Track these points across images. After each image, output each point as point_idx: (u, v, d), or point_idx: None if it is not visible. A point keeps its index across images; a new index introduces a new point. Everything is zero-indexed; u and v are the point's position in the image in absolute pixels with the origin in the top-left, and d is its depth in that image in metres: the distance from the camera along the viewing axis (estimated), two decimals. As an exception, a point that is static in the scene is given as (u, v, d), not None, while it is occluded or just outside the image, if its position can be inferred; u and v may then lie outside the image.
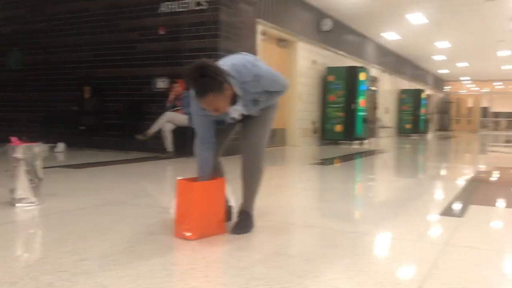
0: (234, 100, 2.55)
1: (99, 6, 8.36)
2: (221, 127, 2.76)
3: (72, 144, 8.26)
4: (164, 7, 7.68)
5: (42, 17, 9.06)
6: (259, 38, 8.72)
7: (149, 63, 7.90)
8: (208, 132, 2.67)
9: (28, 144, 3.41)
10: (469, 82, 30.01)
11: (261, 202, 3.59)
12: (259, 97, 2.62)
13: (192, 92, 2.48)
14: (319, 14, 11.32)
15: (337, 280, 2.00)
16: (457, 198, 4.25)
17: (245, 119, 2.78)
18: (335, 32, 12.18)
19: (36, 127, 8.82)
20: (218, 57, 2.94)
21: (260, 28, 8.76)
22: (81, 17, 8.58)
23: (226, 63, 2.54)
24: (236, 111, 2.62)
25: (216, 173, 2.82)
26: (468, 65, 21.77)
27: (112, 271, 2.04)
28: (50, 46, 8.99)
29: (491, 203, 4.13)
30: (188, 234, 2.54)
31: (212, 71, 2.36)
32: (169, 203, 3.53)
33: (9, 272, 2.00)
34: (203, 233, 2.59)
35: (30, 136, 3.76)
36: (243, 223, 2.80)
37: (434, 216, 3.46)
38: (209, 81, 2.34)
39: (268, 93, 2.66)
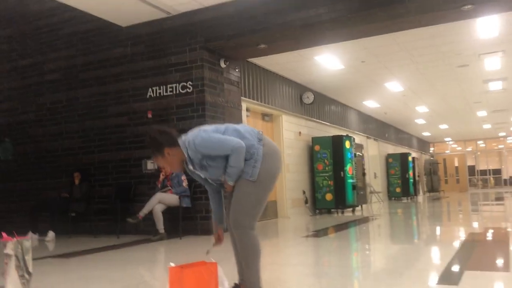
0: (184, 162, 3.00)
1: (88, 94, 8.62)
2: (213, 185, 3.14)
3: (62, 232, 8.16)
4: (152, 92, 7.94)
5: (31, 107, 9.28)
6: (244, 114, 8.98)
7: (138, 146, 8.03)
8: (203, 181, 3.15)
9: (18, 238, 3.40)
10: (452, 142, 30.68)
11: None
12: (203, 161, 2.92)
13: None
14: (301, 88, 11.76)
15: None
16: (451, 264, 4.24)
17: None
18: (318, 104, 12.60)
19: (25, 217, 8.74)
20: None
21: (245, 105, 9.05)
22: (70, 105, 8.80)
23: (187, 134, 2.99)
24: (194, 171, 3.04)
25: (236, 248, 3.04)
26: (448, 127, 22.38)
27: None
28: (39, 135, 9.13)
29: (486, 267, 4.13)
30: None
31: (152, 139, 3.01)
32: (163, 290, 3.47)
33: None
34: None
35: (19, 226, 3.75)
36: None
37: (429, 285, 3.44)
38: (150, 146, 3.03)
39: (211, 158, 2.90)
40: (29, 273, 3.41)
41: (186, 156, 2.92)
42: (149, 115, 7.94)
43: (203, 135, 2.89)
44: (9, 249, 3.32)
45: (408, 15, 6.27)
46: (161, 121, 7.82)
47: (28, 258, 3.42)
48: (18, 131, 9.41)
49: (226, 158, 2.86)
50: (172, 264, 2.71)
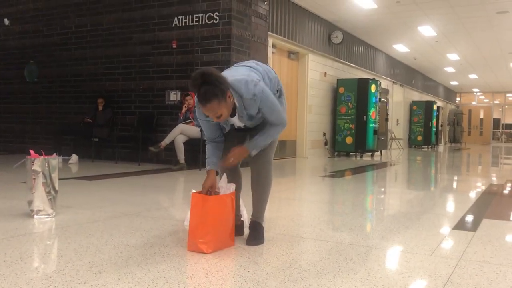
0: (234, 110, 2.63)
1: (113, 19, 8.51)
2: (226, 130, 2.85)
3: (85, 156, 8.37)
4: (177, 21, 7.79)
5: (57, 30, 9.23)
6: (270, 50, 8.80)
7: (162, 76, 8.01)
8: (215, 132, 2.77)
9: (46, 156, 3.49)
10: (480, 93, 29.85)
11: (272, 215, 3.62)
12: (255, 114, 2.67)
13: (196, 99, 2.58)
14: (330, 27, 11.40)
15: (351, 295, 2.02)
16: (469, 212, 4.24)
17: (251, 130, 2.86)
18: (346, 44, 12.25)
19: (49, 139, 8.96)
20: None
21: (271, 41, 8.85)
22: (95, 31, 8.73)
23: (230, 74, 2.61)
24: (234, 121, 2.73)
25: (236, 182, 2.93)
26: (478, 77, 21.69)
27: (129, 284, 2.08)
28: (64, 59, 9.15)
29: (504, 217, 4.12)
30: (203, 247, 2.58)
31: (215, 78, 2.41)
32: (182, 216, 3.57)
33: (30, 283, 2.05)
34: (217, 246, 2.63)
35: (44, 148, 3.83)
36: (257, 234, 2.85)
37: (446, 230, 3.46)
38: (211, 88, 2.40)
39: (262, 117, 2.71)
40: (55, 190, 3.52)
41: (237, 103, 2.59)
42: (174, 45, 7.85)
43: (267, 91, 2.59)
44: (37, 166, 3.41)
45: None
46: (185, 52, 7.72)
47: (55, 176, 3.52)
48: (43, 54, 9.43)
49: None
50: (194, 191, 2.75)
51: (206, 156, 2.81)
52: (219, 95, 2.41)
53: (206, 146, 2.84)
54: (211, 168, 2.76)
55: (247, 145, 2.72)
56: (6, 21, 9.90)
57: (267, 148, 2.85)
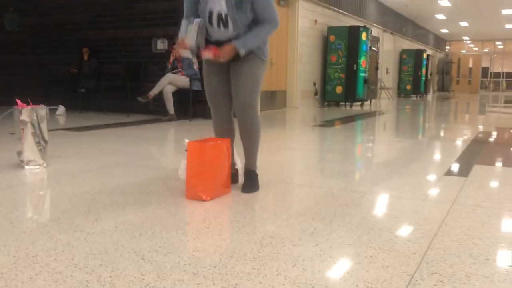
0: None
1: (96, -36, 8.14)
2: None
3: (72, 107, 8.23)
4: (163, -35, 7.48)
5: (37, -24, 8.83)
6: (259, -3, 8.55)
7: (149, 24, 7.77)
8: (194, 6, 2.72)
9: (34, 106, 3.41)
10: (470, 42, 29.67)
11: (265, 163, 3.62)
12: (243, 1, 2.57)
13: None
14: (321, -28, 11.06)
15: (349, 238, 2.05)
16: (460, 158, 4.29)
17: (232, 67, 2.76)
18: (337, -9, 11.95)
19: (35, 90, 8.77)
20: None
21: (260, -13, 8.57)
22: (77, -24, 8.37)
23: None
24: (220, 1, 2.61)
25: (229, 132, 2.93)
26: (468, 24, 21.46)
27: (127, 231, 2.08)
28: (47, 8, 8.81)
29: (494, 163, 4.17)
30: (202, 195, 2.57)
31: None
32: (176, 165, 3.55)
33: (27, 232, 2.04)
34: (215, 194, 2.63)
35: (31, 99, 3.74)
36: (252, 181, 2.86)
37: (438, 176, 3.50)
38: None
39: (247, 8, 2.60)
40: (45, 141, 3.47)
41: None
42: (161, -9, 7.57)
43: None
44: (25, 115, 3.34)
45: None
46: (173, -1, 7.46)
47: (43, 126, 3.45)
48: (24, 2, 9.06)
49: (250, 24, 2.65)
50: (187, 140, 2.71)
51: (181, 32, 2.72)
52: None
53: (182, 21, 2.74)
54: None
55: (235, 42, 2.64)
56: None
57: (246, 83, 2.74)
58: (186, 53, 2.72)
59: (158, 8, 7.64)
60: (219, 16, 2.64)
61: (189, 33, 2.65)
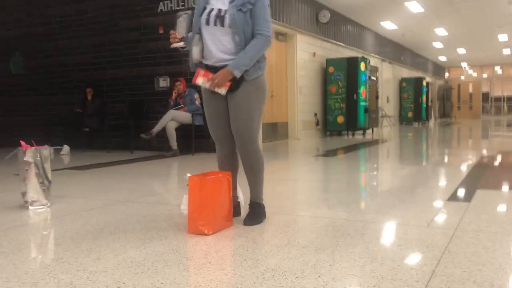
0: None
1: (97, 6, 8.38)
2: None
3: (76, 146, 8.31)
4: (163, 6, 7.69)
5: (40, 20, 9.08)
6: (258, 32, 8.73)
7: (150, 63, 7.93)
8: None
9: (37, 147, 3.45)
10: (468, 67, 29.93)
11: (268, 195, 3.62)
12: (246, 4, 2.62)
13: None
14: (317, 6, 11.32)
15: (352, 268, 2.03)
16: (463, 184, 4.28)
17: (229, 100, 2.77)
18: (334, 24, 12.19)
19: (39, 131, 8.87)
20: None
21: (258, 22, 8.77)
22: (79, 19, 8.59)
23: None
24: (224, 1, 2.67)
25: (233, 166, 2.96)
26: (465, 52, 21.72)
27: (129, 268, 2.07)
28: (50, 50, 9.02)
29: (497, 187, 4.16)
30: (204, 229, 2.57)
31: None
32: (178, 200, 3.56)
33: (29, 273, 2.04)
34: (216, 227, 2.64)
35: (34, 140, 3.79)
36: (255, 214, 2.85)
37: (441, 202, 3.49)
38: None
39: (251, 15, 2.64)
40: (48, 181, 3.50)
41: None
42: (161, 31, 7.76)
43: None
44: (29, 156, 3.38)
45: None
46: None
47: (47, 166, 3.49)
48: (28, 45, 9.28)
49: (245, 42, 2.66)
50: (189, 174, 2.74)
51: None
52: None
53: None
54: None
55: (229, 66, 2.64)
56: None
57: (245, 113, 2.74)
58: (178, 44, 2.80)
59: (159, 47, 7.81)
60: (218, 14, 2.66)
61: (179, 24, 2.74)
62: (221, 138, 2.89)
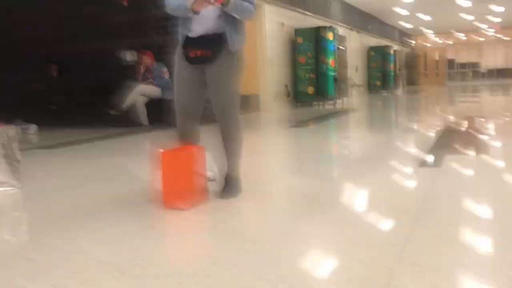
0: None
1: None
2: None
3: (43, 125, 8.07)
4: (126, -24, 7.43)
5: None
6: (225, 3, 8.57)
7: (116, 36, 7.69)
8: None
9: (3, 127, 3.34)
10: (434, 35, 30.33)
11: (243, 167, 3.62)
12: None
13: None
14: (284, -25, 11.16)
15: (328, 236, 2.07)
16: (432, 150, 4.38)
17: (207, 71, 2.74)
18: (301, -8, 12.07)
19: (3, 110, 8.56)
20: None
21: (226, -7, 8.60)
22: (40, -8, 8.23)
23: None
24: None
25: (195, 141, 2.88)
26: (431, 18, 21.94)
27: (106, 247, 2.05)
28: (9, 22, 8.62)
29: (466, 152, 4.28)
30: (181, 204, 2.56)
31: None
32: (151, 176, 3.53)
33: (4, 255, 2.00)
34: (192, 201, 2.63)
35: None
36: (231, 188, 2.84)
37: (413, 168, 3.57)
38: None
39: None
40: (17, 161, 3.40)
41: None
42: (125, 3, 7.51)
43: None
44: (-5, 137, 3.26)
45: None
46: (138, 10, 7.42)
47: (15, 146, 3.38)
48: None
49: None
50: (161, 150, 2.70)
51: (175, 2, 2.63)
52: None
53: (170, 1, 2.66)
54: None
55: None
56: None
57: (226, 85, 2.76)
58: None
59: (124, 19, 7.58)
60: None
61: None
62: (188, 110, 2.85)
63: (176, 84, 2.86)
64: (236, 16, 2.69)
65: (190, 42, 2.72)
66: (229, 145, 2.86)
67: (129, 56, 7.67)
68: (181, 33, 2.77)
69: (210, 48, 2.69)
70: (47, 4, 8.19)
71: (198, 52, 2.70)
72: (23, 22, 8.46)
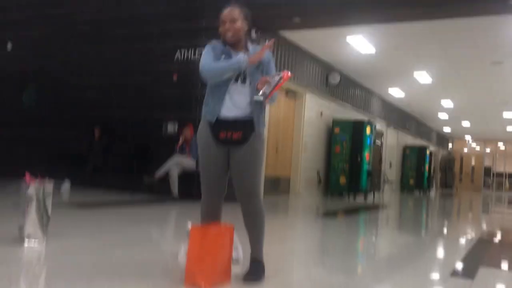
0: (245, 47, 2.85)
1: (116, 49, 8.60)
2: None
3: (78, 183, 8.27)
4: (180, 54, 7.89)
5: (59, 56, 9.29)
6: (269, 88, 8.89)
7: (161, 107, 8.03)
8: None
9: (41, 181, 3.44)
10: (472, 141, 30.18)
11: (267, 254, 3.57)
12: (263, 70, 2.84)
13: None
14: (328, 68, 11.58)
15: None
16: (465, 259, 4.20)
17: (233, 153, 2.78)
18: (343, 86, 12.42)
19: (43, 164, 8.87)
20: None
21: (270, 78, 8.95)
22: (97, 60, 8.80)
23: None
24: (241, 58, 2.74)
25: (219, 219, 2.89)
26: (470, 125, 21.98)
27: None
28: (65, 86, 9.17)
29: (501, 265, 4.08)
30: (201, 282, 2.51)
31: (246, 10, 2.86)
32: (175, 249, 3.50)
33: (19, 312, 1.98)
34: (215, 281, 2.57)
35: (38, 172, 3.79)
36: (255, 271, 2.78)
37: (443, 276, 3.41)
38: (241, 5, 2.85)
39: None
40: (48, 216, 3.46)
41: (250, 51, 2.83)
42: (175, 78, 7.92)
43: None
44: (32, 190, 3.36)
45: (452, 2, 6.08)
46: (185, 85, 7.78)
47: (48, 201, 3.46)
48: (44, 79, 9.46)
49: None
50: (190, 223, 2.71)
51: (224, 64, 2.75)
52: (243, 10, 2.82)
53: (212, 64, 2.78)
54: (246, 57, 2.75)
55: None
56: (9, 46, 9.96)
57: (250, 168, 2.78)
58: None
59: (171, 93, 7.94)
60: (239, 72, 2.78)
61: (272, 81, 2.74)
62: (214, 189, 2.85)
63: (203, 162, 2.86)
64: (270, 103, 2.84)
65: (221, 123, 2.77)
66: (254, 229, 2.84)
67: (170, 127, 7.94)
68: (210, 111, 2.81)
69: (241, 130, 2.76)
70: (102, 72, 8.72)
71: (229, 134, 2.75)
72: (79, 85, 8.99)
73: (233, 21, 2.76)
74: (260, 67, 2.83)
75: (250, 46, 2.87)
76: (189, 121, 7.51)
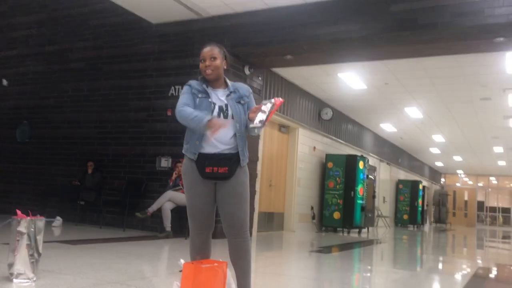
0: (225, 84, 2.94)
1: (110, 86, 8.69)
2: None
3: (69, 219, 8.19)
4: (174, 90, 7.98)
5: (54, 93, 9.37)
6: (262, 123, 8.97)
7: (155, 142, 8.06)
8: (190, 104, 2.84)
9: (33, 218, 3.41)
10: (464, 175, 30.35)
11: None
12: (243, 97, 2.91)
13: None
14: (320, 104, 11.74)
15: None
16: (460, 295, 4.17)
17: (220, 187, 2.80)
18: (335, 121, 12.56)
19: (35, 200, 8.79)
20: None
21: (263, 114, 9.04)
22: (91, 96, 8.87)
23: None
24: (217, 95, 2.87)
25: (207, 256, 2.90)
26: (462, 160, 22.15)
27: None
28: (57, 121, 9.21)
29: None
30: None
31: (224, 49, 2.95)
32: (169, 286, 3.45)
33: None
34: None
35: (29, 208, 3.76)
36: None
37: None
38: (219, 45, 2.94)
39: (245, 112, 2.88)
40: (38, 253, 3.42)
41: (231, 86, 2.92)
42: (169, 113, 7.98)
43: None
44: (23, 227, 3.33)
45: (440, 41, 6.25)
46: (176, 120, 7.82)
47: (40, 238, 3.43)
48: (38, 115, 9.50)
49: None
50: (183, 261, 2.69)
51: (192, 114, 2.73)
52: (222, 50, 2.91)
53: (182, 109, 2.77)
54: (209, 118, 2.69)
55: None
56: (5, 82, 10.05)
57: (237, 204, 2.79)
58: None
59: (165, 128, 7.99)
60: (220, 108, 2.83)
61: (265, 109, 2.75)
62: (203, 225, 2.86)
63: (190, 200, 2.85)
64: (254, 134, 2.83)
65: (205, 158, 2.78)
66: (242, 263, 2.83)
67: (164, 162, 7.94)
68: (192, 147, 2.82)
69: (227, 166, 2.77)
70: (96, 108, 8.78)
71: (215, 169, 2.76)
72: (72, 121, 9.03)
73: (213, 58, 2.84)
74: (241, 100, 2.89)
75: (230, 83, 2.94)
76: (182, 155, 7.51)
